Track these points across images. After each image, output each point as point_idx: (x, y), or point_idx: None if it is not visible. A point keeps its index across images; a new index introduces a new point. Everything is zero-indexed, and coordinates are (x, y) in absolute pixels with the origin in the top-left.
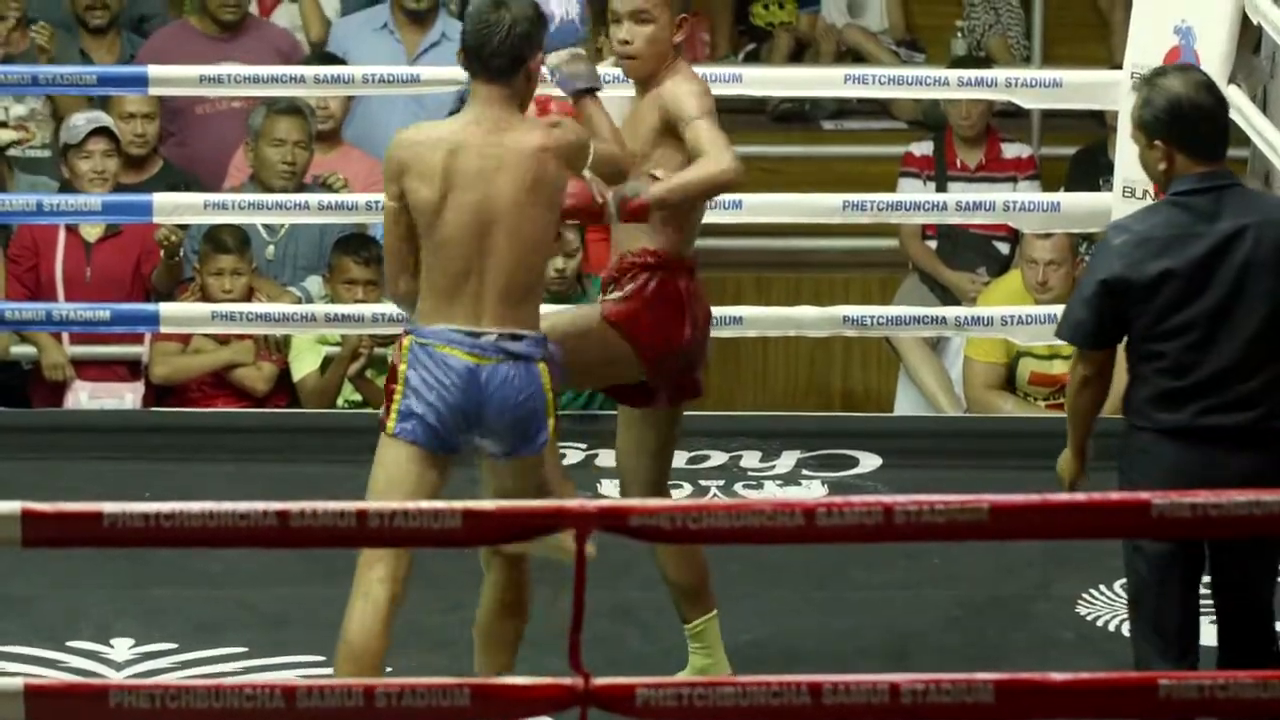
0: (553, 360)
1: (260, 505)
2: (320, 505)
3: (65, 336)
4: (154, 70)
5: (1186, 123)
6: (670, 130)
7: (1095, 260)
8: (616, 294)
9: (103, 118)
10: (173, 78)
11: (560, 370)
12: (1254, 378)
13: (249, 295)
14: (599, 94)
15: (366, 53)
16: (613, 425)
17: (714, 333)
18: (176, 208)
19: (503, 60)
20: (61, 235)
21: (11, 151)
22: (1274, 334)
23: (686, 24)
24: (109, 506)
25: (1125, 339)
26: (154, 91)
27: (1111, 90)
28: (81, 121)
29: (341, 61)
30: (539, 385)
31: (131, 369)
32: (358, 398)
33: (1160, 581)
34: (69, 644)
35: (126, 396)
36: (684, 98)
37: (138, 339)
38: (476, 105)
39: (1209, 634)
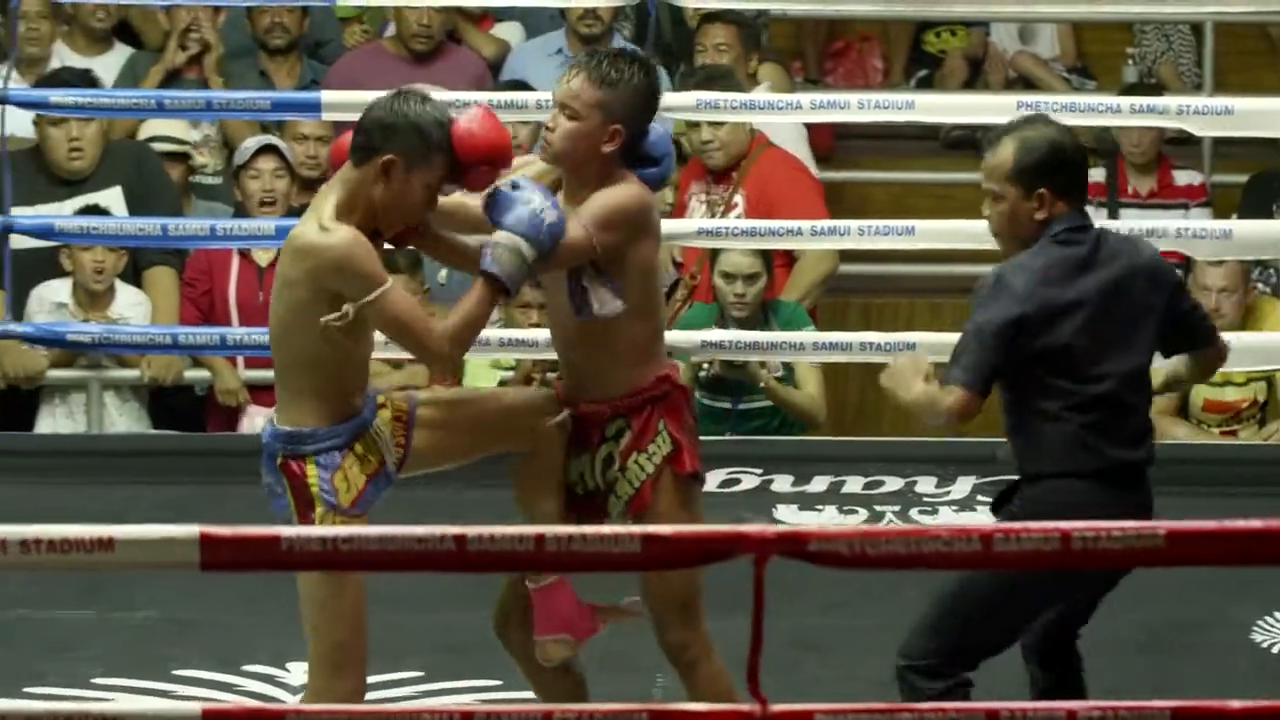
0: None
1: (438, 529)
2: (498, 530)
3: (240, 361)
4: (327, 95)
5: (1070, 167)
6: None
7: (992, 303)
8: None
9: (271, 138)
10: (346, 103)
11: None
12: (1140, 412)
13: None
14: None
15: (542, 78)
16: (790, 450)
17: (890, 359)
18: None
19: (359, 138)
20: (235, 259)
21: (191, 177)
22: (1148, 368)
23: (620, 137)
24: (287, 530)
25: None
26: (327, 116)
27: None
28: (252, 143)
29: (528, 88)
30: (275, 476)
31: None
32: None
33: (1037, 599)
34: (244, 668)
35: None
36: (599, 200)
37: None
38: None
39: None
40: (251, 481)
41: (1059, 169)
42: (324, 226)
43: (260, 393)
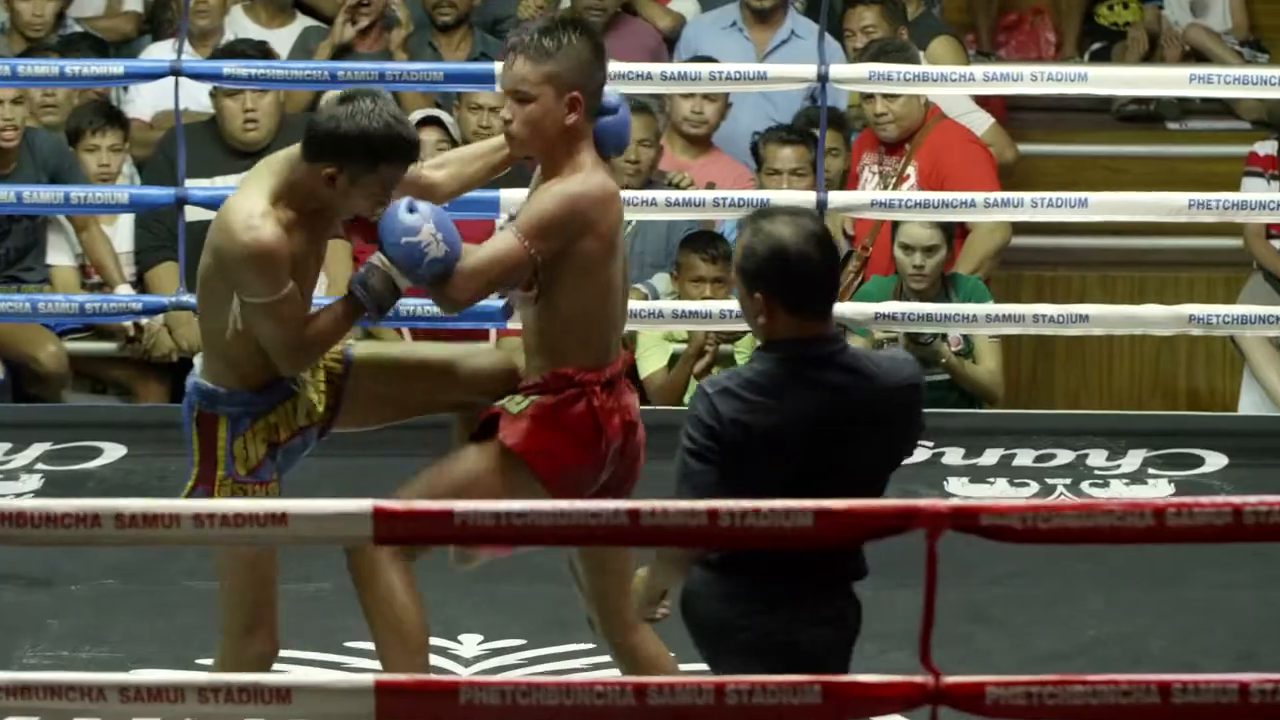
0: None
1: (611, 504)
2: (671, 504)
3: (405, 332)
4: (501, 67)
5: (790, 276)
6: None
7: (696, 425)
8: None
9: (434, 110)
10: None
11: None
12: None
13: None
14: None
15: (717, 51)
16: (961, 423)
17: (1062, 331)
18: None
19: (308, 137)
20: None
21: None
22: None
23: (580, 104)
24: (460, 505)
25: None
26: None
27: None
28: (415, 115)
29: (710, 61)
30: (189, 427)
31: None
32: None
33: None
34: None
35: None
36: (535, 206)
37: (483, 335)
38: None
39: None
40: (421, 455)
41: (775, 276)
42: (251, 222)
43: None
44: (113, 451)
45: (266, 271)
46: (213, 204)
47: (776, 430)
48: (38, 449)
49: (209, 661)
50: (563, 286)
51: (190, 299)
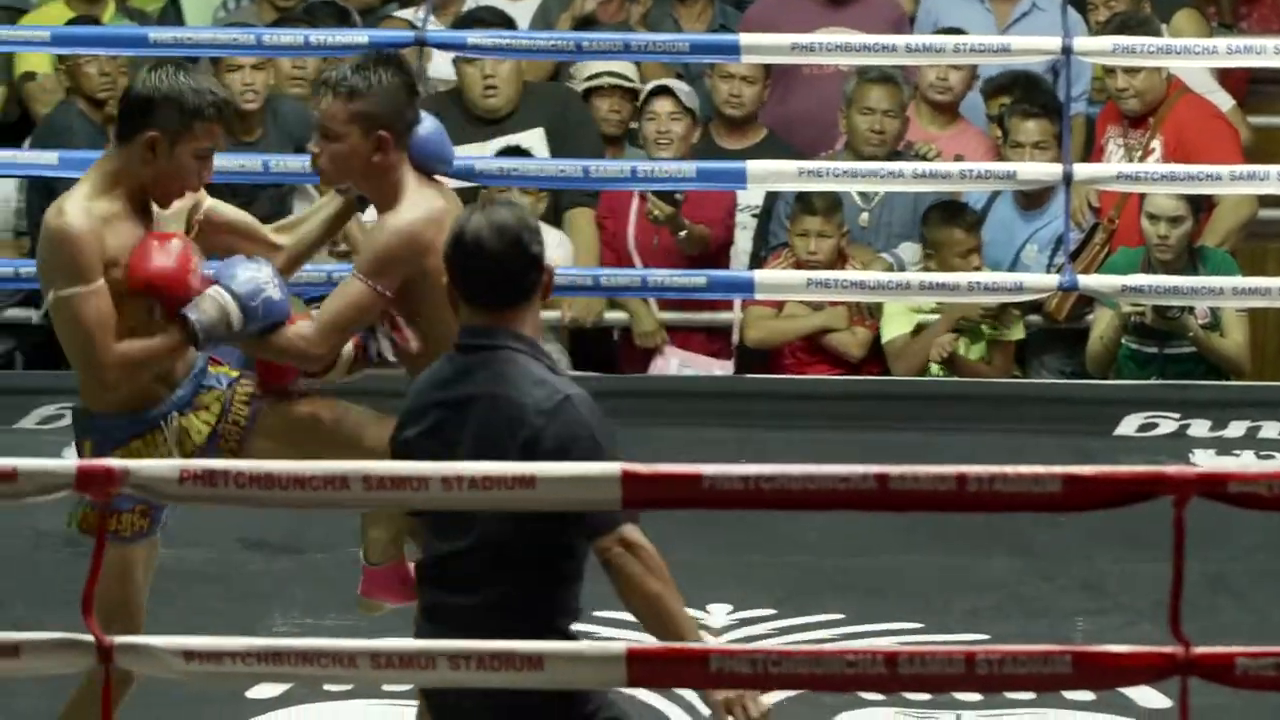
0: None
1: (860, 468)
2: (920, 469)
3: (652, 302)
4: (746, 38)
5: (466, 261)
6: None
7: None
8: None
9: (669, 82)
10: (765, 45)
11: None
12: (478, 561)
13: (836, 259)
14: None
15: (958, 22)
16: (1207, 395)
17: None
18: (770, 175)
19: (121, 119)
20: (634, 202)
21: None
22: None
23: (388, 142)
24: (708, 468)
25: None
26: (746, 59)
27: None
28: (650, 86)
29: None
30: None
31: (720, 340)
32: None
33: None
34: None
35: (714, 370)
36: (371, 245)
37: (726, 306)
38: None
39: None
40: (667, 422)
41: (454, 259)
42: (60, 207)
43: (677, 334)
44: None
45: (78, 254)
46: (460, 174)
47: (420, 437)
48: None
49: None
50: (423, 315)
51: None
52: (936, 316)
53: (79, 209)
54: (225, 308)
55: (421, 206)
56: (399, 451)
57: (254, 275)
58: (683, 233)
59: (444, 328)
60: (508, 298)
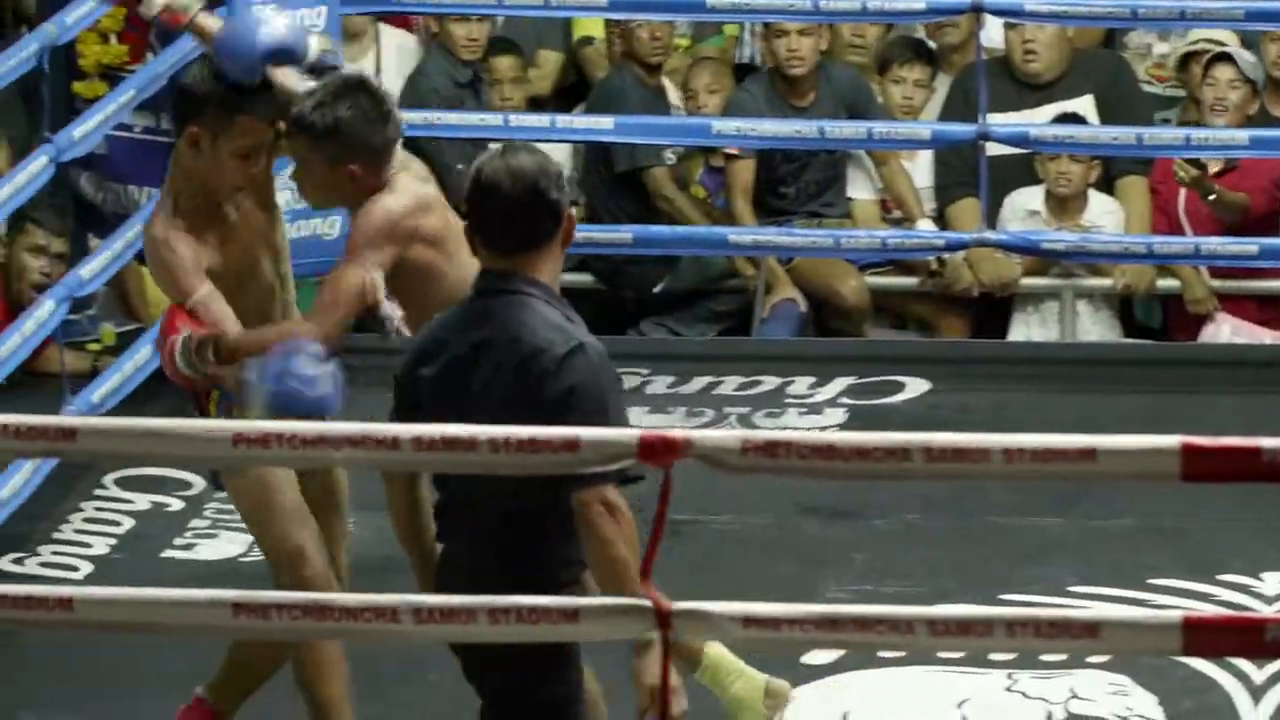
0: None
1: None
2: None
3: (1203, 270)
4: None
5: (482, 203)
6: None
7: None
8: None
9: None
10: None
11: None
12: (481, 508)
13: None
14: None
15: None
16: None
17: None
18: None
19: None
20: None
21: None
22: None
23: (356, 173)
24: (1267, 442)
25: None
26: None
27: None
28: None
29: None
30: None
31: (1272, 309)
32: None
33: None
34: (1218, 577)
35: (1265, 339)
36: (359, 228)
37: (1278, 274)
38: None
39: None
40: (1217, 390)
41: (471, 201)
42: (150, 221)
43: (1228, 302)
44: (915, 386)
45: (167, 266)
46: (1013, 140)
47: (429, 381)
48: (840, 383)
49: (1012, 596)
50: (412, 305)
51: (993, 235)
52: None
53: (158, 219)
54: (257, 404)
55: (407, 194)
56: (406, 388)
57: (311, 392)
58: (1211, 196)
59: (433, 311)
60: (523, 242)
